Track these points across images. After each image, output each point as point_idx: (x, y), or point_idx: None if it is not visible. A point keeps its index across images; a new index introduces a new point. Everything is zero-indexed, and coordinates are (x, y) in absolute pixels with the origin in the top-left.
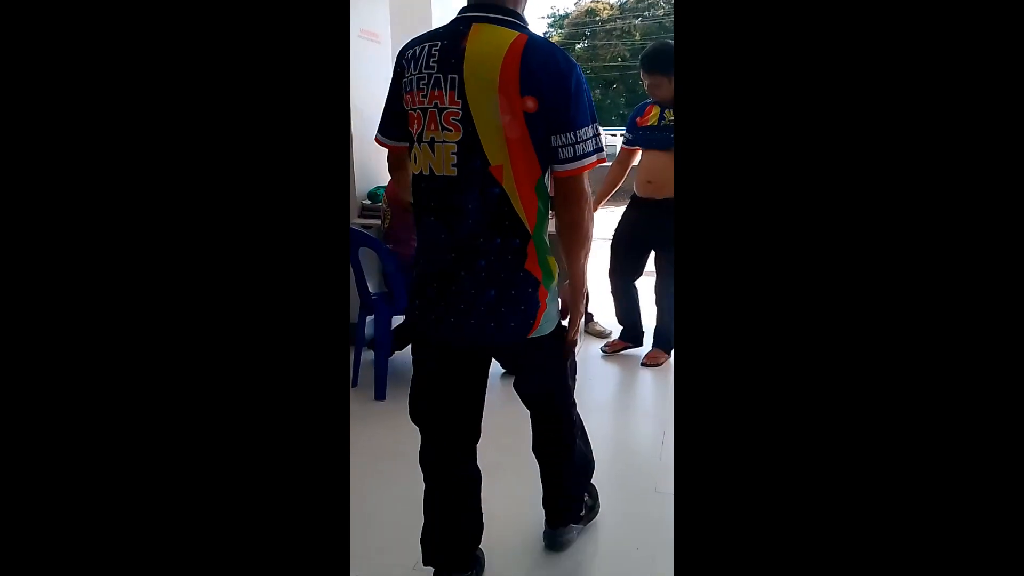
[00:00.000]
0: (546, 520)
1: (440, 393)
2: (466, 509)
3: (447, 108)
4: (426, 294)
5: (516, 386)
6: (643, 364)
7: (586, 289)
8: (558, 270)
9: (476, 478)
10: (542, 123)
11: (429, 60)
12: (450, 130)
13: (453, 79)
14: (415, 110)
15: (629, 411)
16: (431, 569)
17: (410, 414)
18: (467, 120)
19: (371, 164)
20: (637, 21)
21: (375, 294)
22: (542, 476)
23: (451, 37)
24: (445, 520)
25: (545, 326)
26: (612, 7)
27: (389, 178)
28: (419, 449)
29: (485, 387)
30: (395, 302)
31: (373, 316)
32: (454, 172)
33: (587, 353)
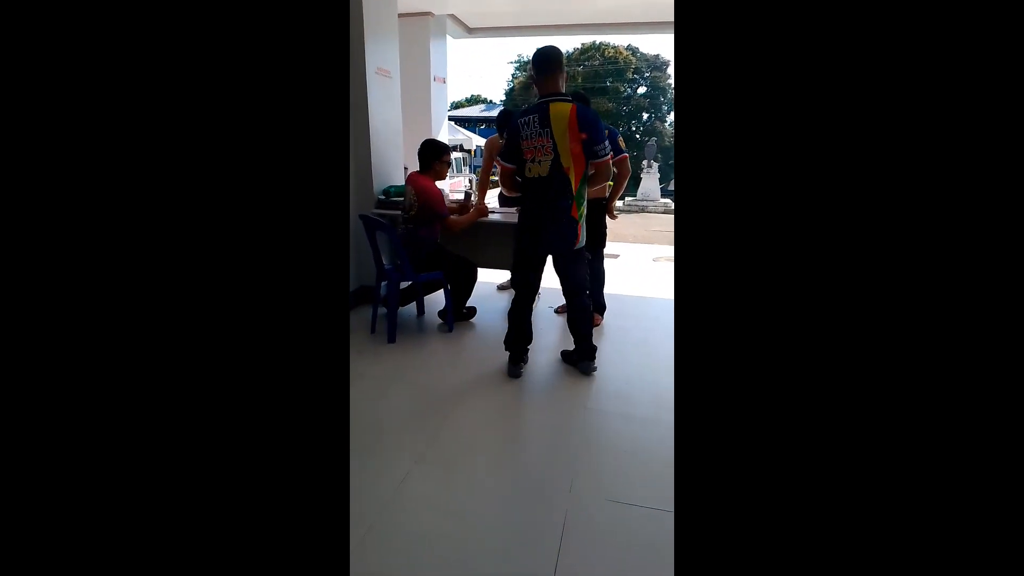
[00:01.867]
0: (578, 359)
1: (531, 273)
2: (528, 324)
3: (545, 144)
4: (528, 231)
5: (561, 277)
6: None
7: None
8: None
9: (531, 310)
10: (587, 144)
11: (534, 123)
12: (547, 154)
13: (548, 130)
14: (529, 148)
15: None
16: (432, 465)
17: (513, 283)
18: (554, 148)
19: (385, 170)
20: (580, 68)
21: (387, 265)
22: (571, 331)
23: (540, 110)
24: (520, 328)
25: (580, 242)
26: None
27: (401, 179)
28: (512, 301)
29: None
30: (403, 271)
31: (387, 282)
32: (547, 173)
33: (539, 310)
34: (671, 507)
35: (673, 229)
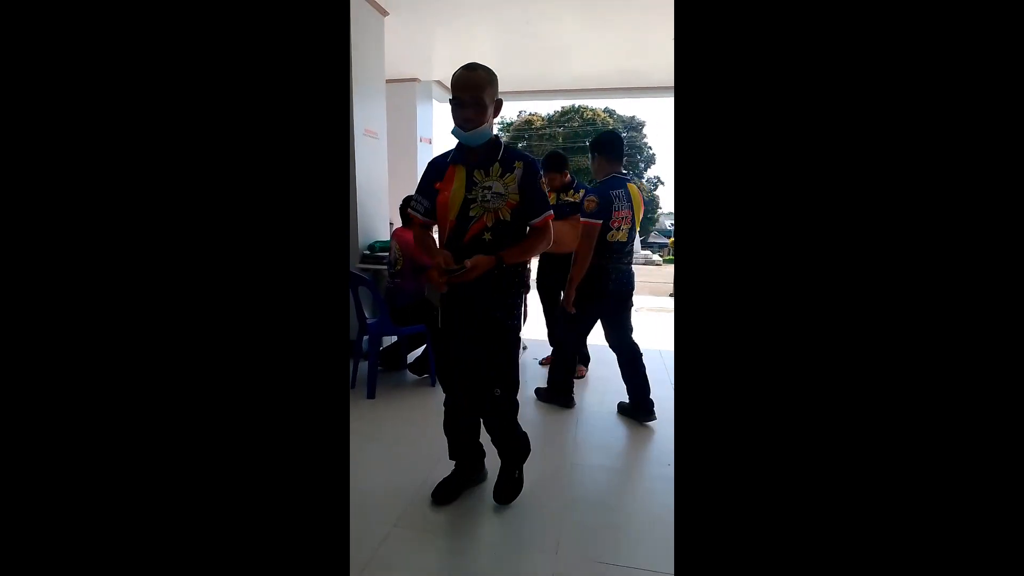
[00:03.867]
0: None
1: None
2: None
3: (630, 216)
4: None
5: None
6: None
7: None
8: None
9: None
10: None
11: (623, 198)
12: (628, 224)
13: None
14: (619, 218)
15: (552, 405)
16: (411, 529)
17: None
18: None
19: (371, 225)
20: (560, 129)
21: (369, 320)
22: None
23: (623, 185)
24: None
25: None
26: (543, 119)
27: (386, 234)
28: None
29: None
30: (382, 326)
31: (367, 336)
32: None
33: (525, 361)
34: (659, 567)
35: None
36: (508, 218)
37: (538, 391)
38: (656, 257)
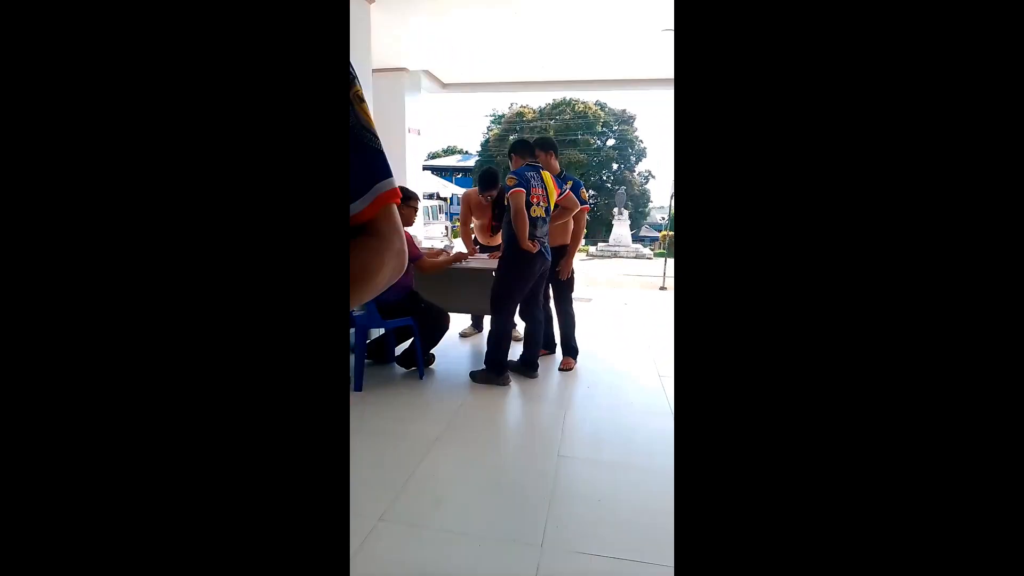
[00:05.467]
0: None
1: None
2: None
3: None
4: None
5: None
6: (560, 369)
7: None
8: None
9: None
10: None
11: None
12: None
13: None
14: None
15: (542, 398)
16: (397, 523)
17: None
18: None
19: None
20: (551, 121)
21: (356, 313)
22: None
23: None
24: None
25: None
26: (534, 112)
27: None
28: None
29: None
30: (368, 318)
31: (354, 328)
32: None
33: (513, 353)
34: (644, 558)
35: (642, 274)
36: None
37: (472, 374)
38: (647, 251)
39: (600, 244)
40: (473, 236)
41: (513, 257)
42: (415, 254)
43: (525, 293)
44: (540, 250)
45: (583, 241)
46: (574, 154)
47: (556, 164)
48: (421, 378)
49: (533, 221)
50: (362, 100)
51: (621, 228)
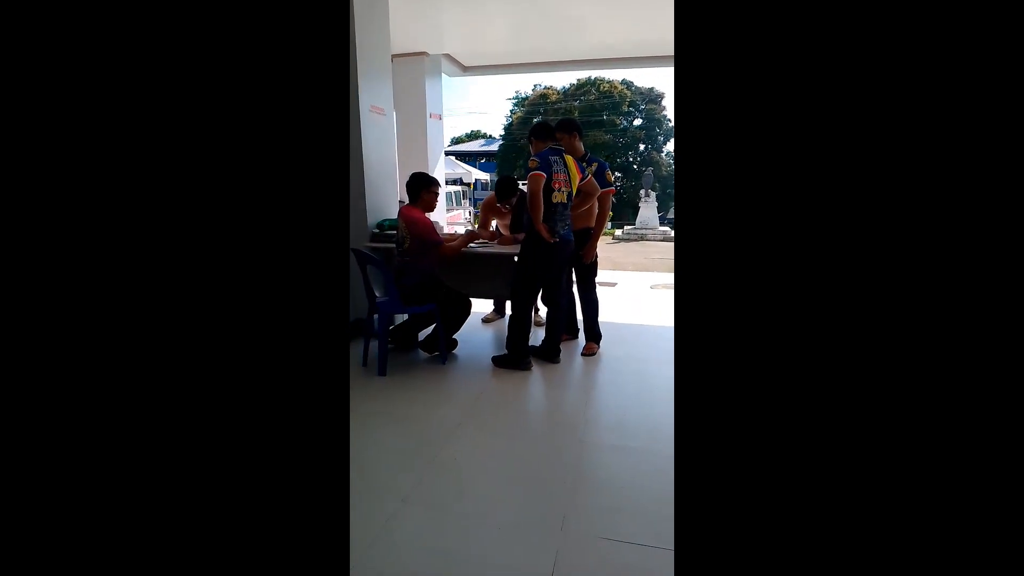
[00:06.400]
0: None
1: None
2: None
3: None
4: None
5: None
6: (583, 355)
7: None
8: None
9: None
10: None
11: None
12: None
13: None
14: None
15: (564, 384)
16: (419, 506)
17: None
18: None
19: (380, 204)
20: (576, 103)
21: (379, 298)
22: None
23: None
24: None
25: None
26: (558, 93)
27: (395, 213)
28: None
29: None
30: (391, 304)
31: (378, 315)
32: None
33: (535, 338)
34: (665, 544)
35: (673, 256)
36: None
37: (494, 359)
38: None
39: (626, 227)
40: (496, 228)
41: (534, 244)
42: (436, 240)
43: (546, 280)
44: (561, 236)
45: (608, 224)
46: (599, 135)
47: (580, 146)
48: (443, 363)
49: (553, 207)
50: None
51: (648, 211)
